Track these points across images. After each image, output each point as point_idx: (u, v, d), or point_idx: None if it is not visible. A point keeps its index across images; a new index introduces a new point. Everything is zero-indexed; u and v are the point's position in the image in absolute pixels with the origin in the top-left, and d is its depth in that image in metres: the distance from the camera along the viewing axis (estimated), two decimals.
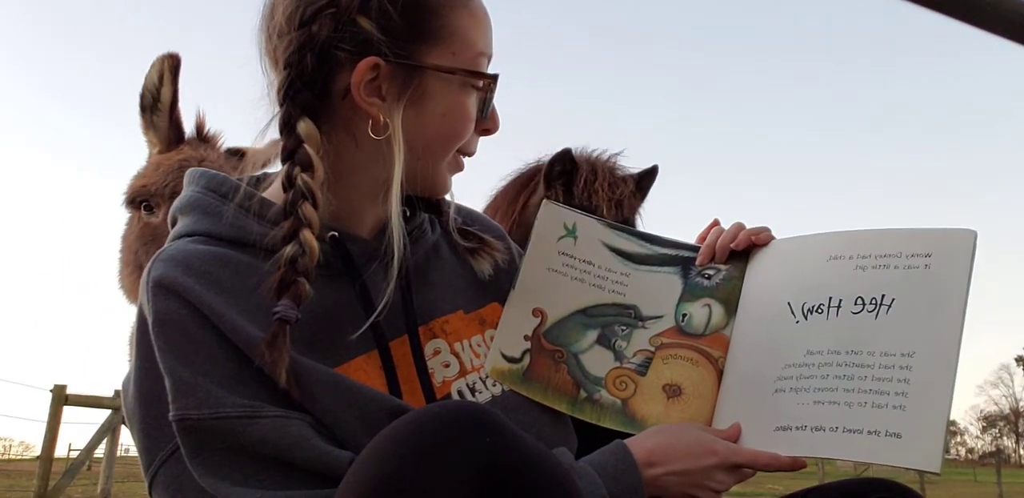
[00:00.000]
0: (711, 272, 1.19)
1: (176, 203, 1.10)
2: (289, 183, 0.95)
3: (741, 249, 1.19)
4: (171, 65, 2.03)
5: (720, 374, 1.13)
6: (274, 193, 1.06)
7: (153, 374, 0.93)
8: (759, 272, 1.17)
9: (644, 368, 1.14)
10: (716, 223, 1.24)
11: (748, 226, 1.23)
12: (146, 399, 0.95)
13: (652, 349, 1.15)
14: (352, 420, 0.93)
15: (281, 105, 0.98)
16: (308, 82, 0.97)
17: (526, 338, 1.16)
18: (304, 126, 0.96)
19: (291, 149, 0.96)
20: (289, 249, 0.92)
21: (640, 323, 1.17)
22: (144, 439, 0.95)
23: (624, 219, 1.88)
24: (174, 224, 1.09)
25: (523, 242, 1.26)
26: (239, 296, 0.95)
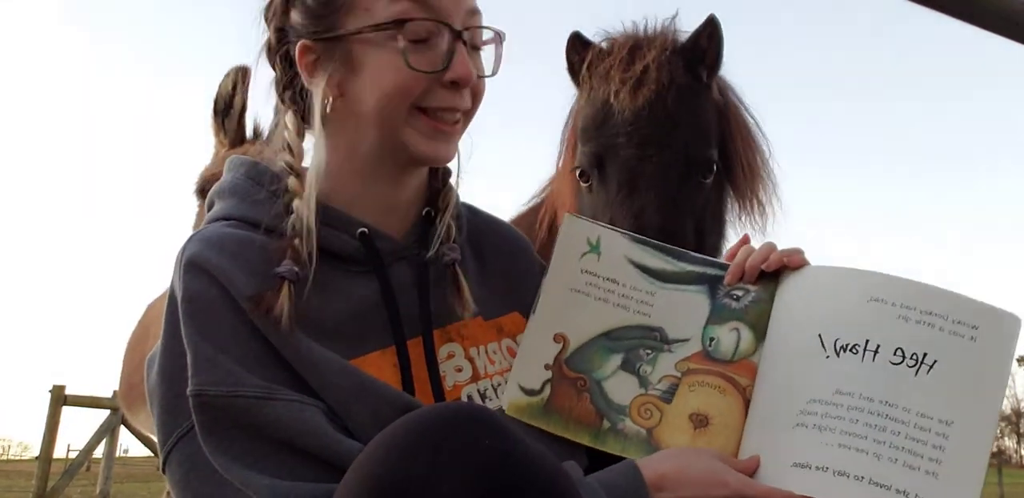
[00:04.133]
0: (739, 293, 1.13)
1: (216, 187, 1.13)
2: (285, 167, 1.06)
3: (772, 271, 1.14)
4: (243, 76, 2.29)
5: (747, 403, 1.08)
6: None
7: (177, 352, 0.95)
8: (790, 298, 1.11)
9: (670, 395, 1.09)
10: (746, 240, 1.20)
11: (780, 247, 1.18)
12: (168, 376, 0.96)
13: (678, 375, 1.10)
14: (363, 413, 0.94)
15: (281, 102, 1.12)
16: (287, 82, 1.10)
17: (547, 367, 1.11)
18: (288, 117, 1.09)
19: (282, 137, 1.09)
20: (289, 219, 1.01)
21: (666, 346, 1.12)
22: (163, 415, 0.96)
23: (656, 97, 1.52)
24: (211, 207, 1.12)
25: None
26: (269, 280, 0.97)
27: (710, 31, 1.60)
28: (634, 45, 1.60)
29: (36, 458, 9.34)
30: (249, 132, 2.41)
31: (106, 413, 9.59)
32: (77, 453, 10.03)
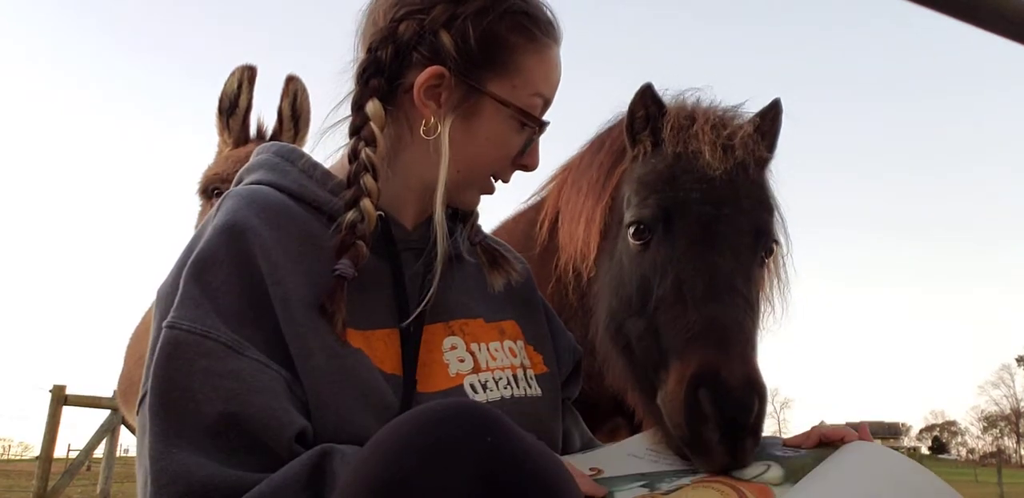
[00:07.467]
0: (791, 453, 1.12)
1: (244, 167, 1.17)
2: (354, 156, 1.06)
3: (831, 440, 1.12)
4: (249, 76, 2.30)
5: None
6: (335, 169, 1.16)
7: None
8: (832, 470, 1.05)
9: (672, 491, 1.07)
10: None
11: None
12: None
13: (689, 484, 1.08)
14: (340, 380, 0.96)
15: (356, 85, 1.10)
16: (382, 70, 1.09)
17: None
18: (372, 106, 1.07)
19: (358, 125, 1.08)
20: (350, 215, 1.02)
21: (693, 473, 1.13)
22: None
23: (740, 163, 1.50)
24: (238, 184, 1.14)
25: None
26: (290, 240, 1.01)
27: (774, 114, 1.61)
28: (721, 113, 1.60)
29: (37, 458, 9.34)
30: (253, 131, 2.41)
31: (106, 413, 9.60)
32: (78, 453, 10.04)
